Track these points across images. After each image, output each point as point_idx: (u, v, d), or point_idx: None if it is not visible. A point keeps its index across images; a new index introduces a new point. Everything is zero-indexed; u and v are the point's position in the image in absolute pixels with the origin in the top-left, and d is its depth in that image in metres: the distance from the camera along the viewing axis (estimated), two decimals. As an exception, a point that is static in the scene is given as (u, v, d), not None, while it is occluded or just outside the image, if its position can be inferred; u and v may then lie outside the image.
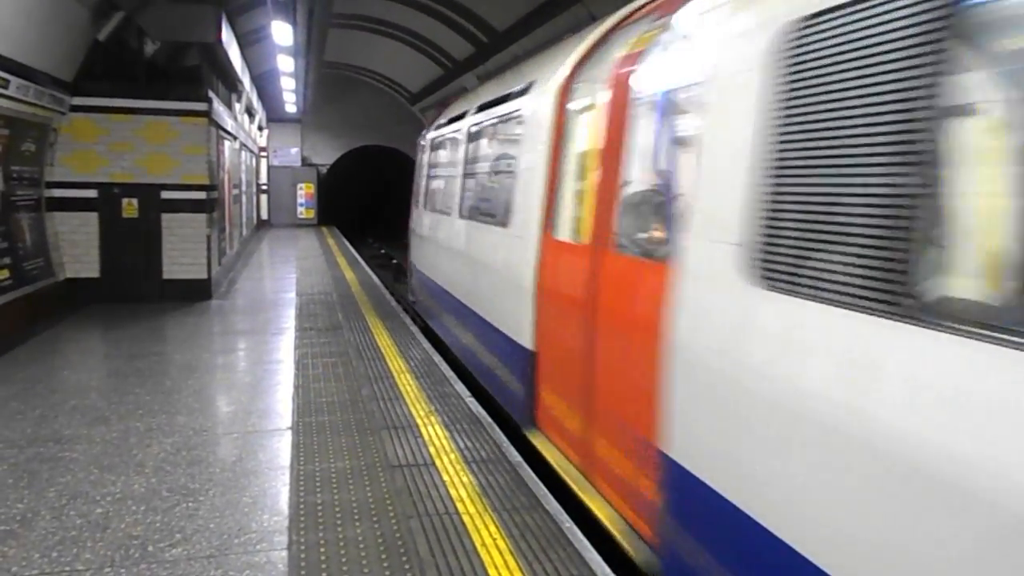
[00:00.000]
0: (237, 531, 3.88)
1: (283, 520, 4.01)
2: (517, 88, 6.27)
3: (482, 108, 7.42)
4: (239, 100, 17.34)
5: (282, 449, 5.08)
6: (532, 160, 5.35)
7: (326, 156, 30.29)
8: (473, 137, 7.66)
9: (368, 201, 33.23)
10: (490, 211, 6.56)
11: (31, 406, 5.94)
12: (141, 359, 7.54)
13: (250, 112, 20.76)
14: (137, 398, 6.20)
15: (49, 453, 4.94)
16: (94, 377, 7.10)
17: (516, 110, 6.06)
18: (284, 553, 3.65)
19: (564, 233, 4.79)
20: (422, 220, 10.16)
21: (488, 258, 6.31)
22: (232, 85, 15.86)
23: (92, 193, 10.51)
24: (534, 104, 5.58)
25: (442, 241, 8.47)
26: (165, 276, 10.96)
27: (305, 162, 29.94)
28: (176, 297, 10.85)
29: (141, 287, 10.79)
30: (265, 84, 22.23)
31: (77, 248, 10.48)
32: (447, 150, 9.10)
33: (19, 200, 9.19)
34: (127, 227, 10.71)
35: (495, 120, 6.85)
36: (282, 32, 12.63)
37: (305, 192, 29.71)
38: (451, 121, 8.99)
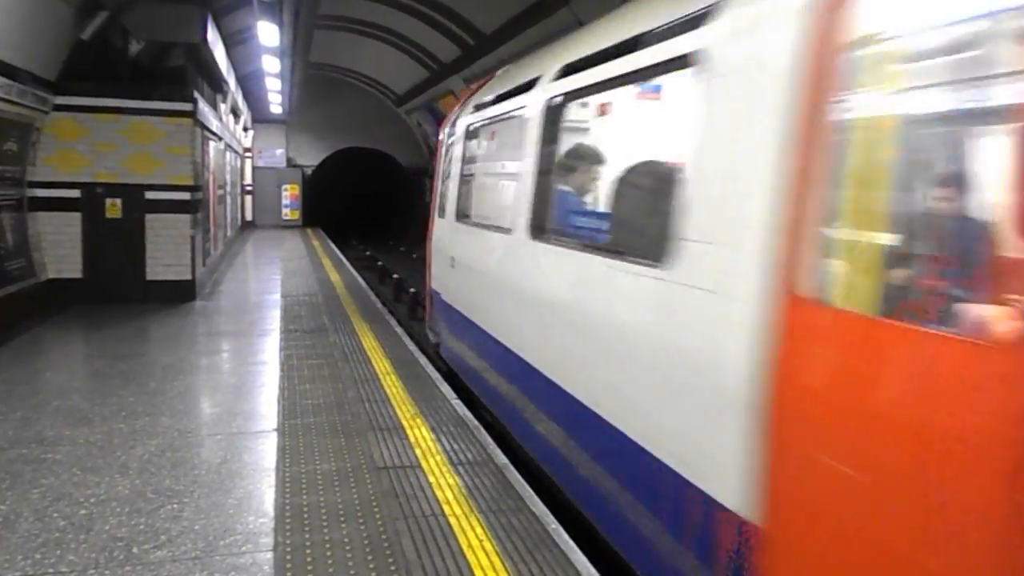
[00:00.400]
0: (222, 533, 3.87)
1: (269, 522, 4.00)
2: (671, 19, 3.49)
3: (574, 68, 4.62)
4: (224, 100, 17.26)
5: (268, 451, 5.06)
6: (734, 147, 2.81)
7: (311, 157, 30.21)
8: (555, 115, 4.85)
9: (353, 203, 33.18)
10: (610, 234, 4.22)
11: (13, 408, 5.88)
12: (125, 360, 7.49)
13: (235, 113, 20.68)
14: (121, 399, 6.16)
15: (32, 455, 4.90)
16: (77, 378, 7.05)
17: (679, 56, 3.28)
18: (270, 555, 3.65)
19: (858, 298, 2.28)
20: (454, 236, 7.27)
21: (614, 317, 3.62)
22: (217, 85, 15.79)
23: (75, 193, 10.43)
24: (738, 41, 2.90)
25: (495, 272, 5.66)
26: (149, 277, 10.88)
27: (290, 163, 29.85)
28: (160, 298, 10.78)
29: (124, 288, 10.71)
30: (250, 85, 22.16)
31: (60, 248, 10.39)
32: (500, 138, 6.43)
33: (1, 200, 9.11)
34: (110, 227, 10.64)
35: (614, 79, 4.06)
36: (268, 33, 12.58)
37: (290, 193, 29.61)
38: (502, 97, 6.16)
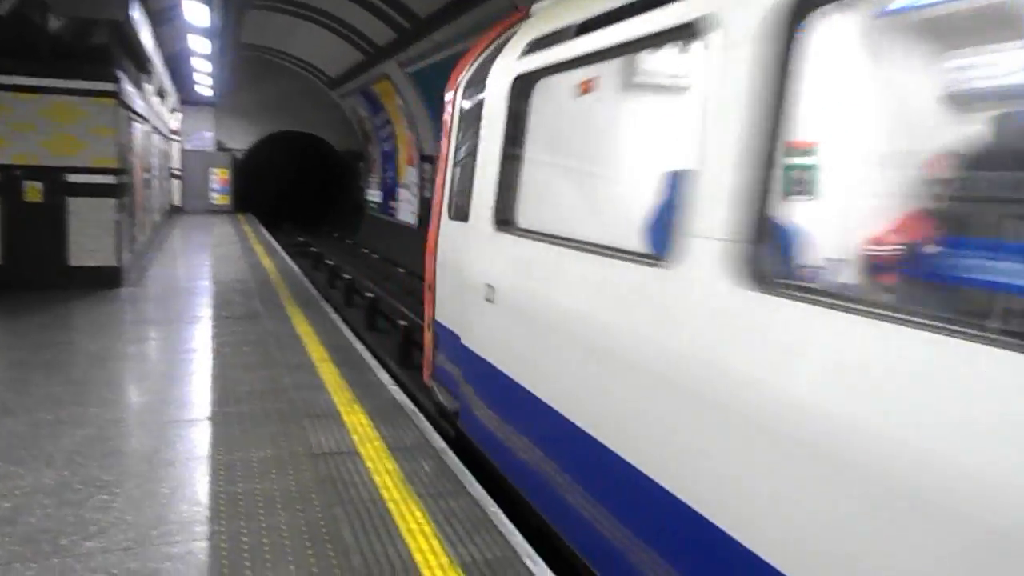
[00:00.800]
0: (155, 522, 3.79)
1: (203, 510, 3.93)
2: None
3: None
4: (150, 81, 16.72)
5: (201, 439, 4.97)
6: None
7: (242, 141, 29.53)
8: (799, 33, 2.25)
9: (285, 188, 32.57)
10: None
11: (-72, 398, 5.65)
12: (48, 349, 7.23)
13: (162, 94, 20.06)
14: (45, 389, 5.95)
15: (-50, 447, 4.71)
16: (-3, 368, 6.80)
17: None
18: (205, 543, 3.59)
19: None
20: (495, 254, 4.48)
21: None
22: (143, 65, 15.27)
23: (-8, 175, 10.00)
24: None
25: (621, 336, 3.04)
26: (72, 263, 10.51)
27: (220, 147, 29.12)
28: (84, 285, 10.41)
29: (46, 274, 10.32)
30: (178, 65, 21.49)
31: (-24, 233, 9.97)
32: (614, 90, 4.22)
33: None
34: (30, 211, 10.23)
35: None
36: (197, 12, 12.24)
37: (220, 178, 28.89)
38: (611, 18, 3.39)
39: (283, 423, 5.30)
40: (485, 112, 4.83)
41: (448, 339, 5.20)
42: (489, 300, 4.39)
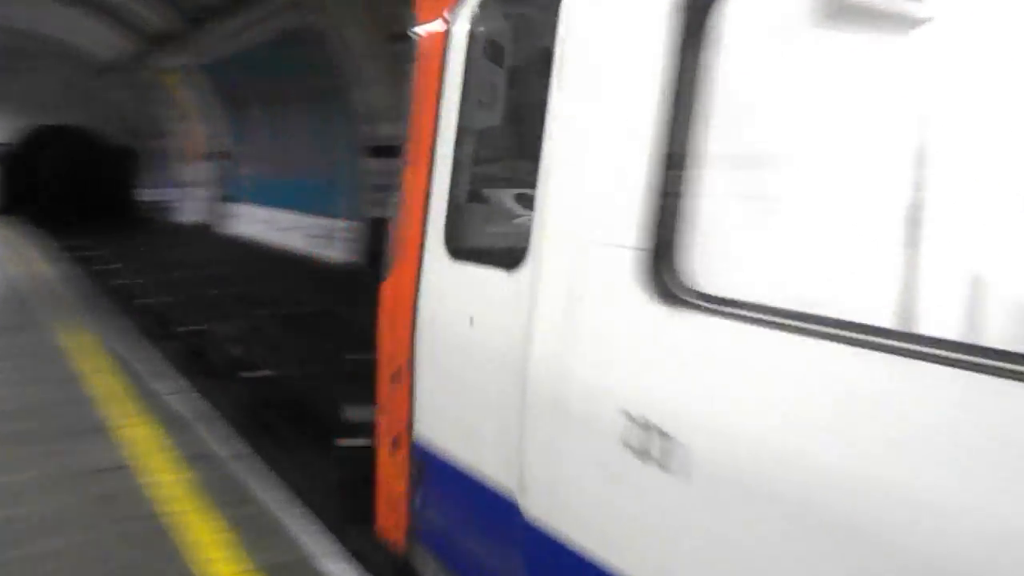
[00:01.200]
0: None
1: (-47, 543, 3.56)
2: None
3: None
4: None
5: (-49, 465, 4.48)
6: None
7: (3, 136, 26.68)
8: None
9: (57, 187, 29.80)
10: None
11: None
12: None
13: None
14: None
15: None
16: None
17: None
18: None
19: None
20: (668, 356, 1.88)
21: None
22: None
23: None
24: None
25: None
26: None
27: (-24, 141, 26.16)
28: None
29: None
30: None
31: None
32: None
33: None
34: None
35: None
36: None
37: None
38: None
39: (52, 441, 4.89)
40: (577, 50, 2.28)
41: (465, 492, 2.68)
42: (646, 456, 1.92)
